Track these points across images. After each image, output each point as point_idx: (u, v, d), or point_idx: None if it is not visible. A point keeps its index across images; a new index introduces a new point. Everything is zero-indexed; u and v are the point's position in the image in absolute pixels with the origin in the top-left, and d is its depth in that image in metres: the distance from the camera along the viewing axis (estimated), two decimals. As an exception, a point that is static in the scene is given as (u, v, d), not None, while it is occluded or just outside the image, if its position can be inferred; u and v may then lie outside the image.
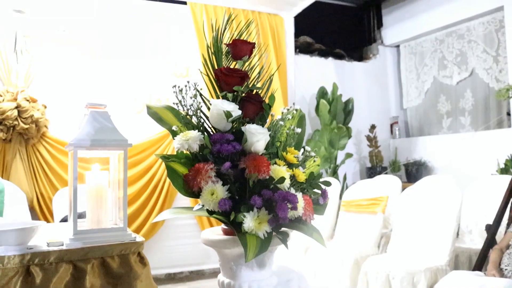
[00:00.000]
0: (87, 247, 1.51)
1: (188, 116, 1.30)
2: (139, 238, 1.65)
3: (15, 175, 3.67)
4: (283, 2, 4.88)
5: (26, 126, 3.64)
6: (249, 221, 1.12)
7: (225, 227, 1.28)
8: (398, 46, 6.52)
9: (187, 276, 4.47)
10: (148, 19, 4.40)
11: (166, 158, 1.22)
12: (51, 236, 1.66)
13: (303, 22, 5.49)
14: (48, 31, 3.92)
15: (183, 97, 1.29)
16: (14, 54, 3.69)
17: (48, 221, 3.75)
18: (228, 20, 1.37)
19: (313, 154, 1.34)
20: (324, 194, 1.31)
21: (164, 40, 4.47)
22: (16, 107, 3.61)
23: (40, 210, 3.79)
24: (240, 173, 1.20)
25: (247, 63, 1.37)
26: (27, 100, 3.68)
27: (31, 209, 3.71)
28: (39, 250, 1.45)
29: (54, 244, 1.50)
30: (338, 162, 5.43)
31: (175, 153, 1.27)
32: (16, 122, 3.61)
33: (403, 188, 3.72)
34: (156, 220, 1.28)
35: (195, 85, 1.30)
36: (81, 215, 1.74)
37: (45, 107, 3.85)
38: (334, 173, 5.27)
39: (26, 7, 3.69)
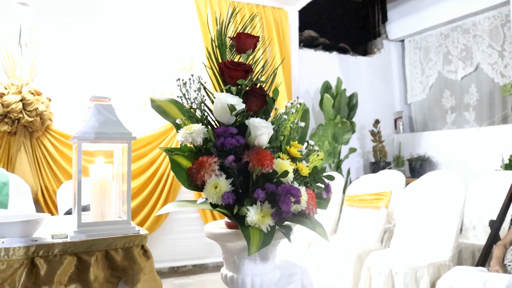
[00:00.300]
0: (91, 240, 1.51)
1: (192, 110, 1.30)
2: (142, 231, 1.65)
3: (19, 168, 3.68)
4: (288, -4, 4.87)
5: (30, 119, 3.64)
6: (252, 215, 1.13)
7: (228, 220, 1.28)
8: (402, 41, 6.48)
9: (191, 270, 4.49)
10: (152, 12, 4.39)
11: (170, 151, 1.22)
12: (56, 229, 1.67)
13: (307, 16, 5.47)
14: (53, 24, 3.91)
15: (187, 90, 1.29)
16: (19, 47, 3.69)
17: (52, 214, 3.76)
18: (232, 14, 1.37)
19: (316, 148, 1.34)
20: (327, 188, 1.31)
21: (168, 33, 4.45)
22: (21, 100, 3.61)
23: (44, 203, 3.81)
24: (243, 166, 1.20)
25: (251, 57, 1.37)
26: (32, 93, 3.69)
27: (36, 202, 3.73)
28: (44, 242, 1.46)
29: (59, 237, 1.50)
30: (342, 156, 5.42)
31: (179, 146, 1.27)
32: (20, 115, 3.61)
33: (407, 183, 3.71)
34: (160, 213, 1.29)
35: (199, 79, 1.30)
36: (85, 208, 1.74)
37: (50, 100, 3.85)
38: (338, 168, 5.26)
39: (31, 0, 3.69)
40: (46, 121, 3.81)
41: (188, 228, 4.43)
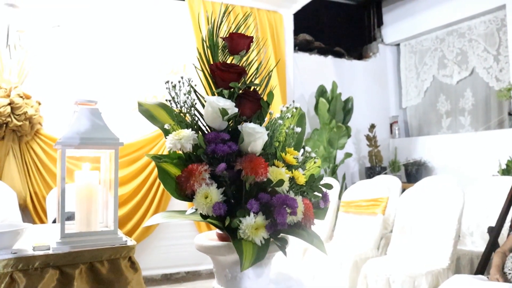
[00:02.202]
0: (75, 251, 1.43)
1: (181, 114, 1.22)
2: (130, 241, 1.57)
3: (8, 173, 3.59)
4: (283, -1, 4.82)
5: (19, 123, 3.56)
6: (245, 227, 1.05)
7: (220, 232, 1.21)
8: (398, 45, 6.45)
9: (184, 277, 4.41)
10: (145, 15, 4.33)
11: (157, 158, 1.15)
12: (39, 239, 1.58)
13: (302, 20, 5.42)
14: (43, 26, 3.83)
15: (176, 93, 1.22)
16: (7, 49, 3.60)
17: (42, 221, 3.69)
18: (224, 13, 1.30)
19: (313, 155, 1.27)
20: (325, 197, 1.24)
21: (161, 37, 4.39)
22: (9, 104, 3.53)
23: (33, 209, 3.71)
24: (236, 175, 1.12)
25: (244, 58, 1.30)
26: (21, 97, 3.60)
27: (25, 208, 3.64)
28: (24, 255, 1.37)
29: (40, 248, 1.42)
30: (337, 161, 5.36)
31: (167, 153, 1.19)
32: (9, 119, 3.53)
33: (403, 189, 3.66)
34: (147, 225, 1.21)
35: (189, 81, 1.22)
36: (72, 217, 1.66)
37: (39, 103, 3.76)
38: (333, 173, 5.20)
39: (19, 1, 3.60)
40: (36, 125, 3.72)
41: (181, 234, 4.35)
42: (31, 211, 3.69)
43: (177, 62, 4.44)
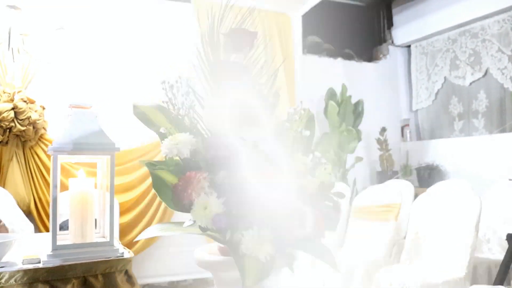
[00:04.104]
0: (67, 265, 1.33)
1: (179, 116, 1.12)
2: (127, 253, 1.46)
3: (11, 179, 3.53)
4: (291, 1, 4.72)
5: (23, 128, 3.50)
6: (248, 241, 0.95)
7: (222, 245, 1.10)
8: (409, 46, 6.32)
9: (191, 284, 4.32)
10: (150, 18, 4.26)
11: (152, 165, 1.05)
12: (30, 251, 1.49)
13: (311, 22, 5.32)
14: (46, 29, 3.77)
15: (174, 94, 1.12)
16: (10, 52, 3.54)
17: (46, 227, 3.63)
18: (226, 6, 1.20)
19: (323, 160, 1.16)
20: (336, 207, 1.13)
21: (167, 40, 4.31)
22: (13, 108, 3.47)
23: (38, 215, 3.65)
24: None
25: (248, 56, 1.19)
26: (24, 101, 3.54)
27: (29, 214, 3.57)
28: (12, 269, 1.28)
29: (30, 261, 1.32)
30: (348, 166, 5.24)
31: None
32: (12, 124, 3.47)
33: (416, 193, 3.53)
34: (141, 238, 1.10)
35: (187, 81, 1.12)
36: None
37: (43, 108, 3.70)
38: (344, 178, 5.08)
39: (22, 4, 3.53)
40: (40, 130, 3.65)
41: (187, 241, 4.24)
42: (35, 217, 3.63)
43: (183, 65, 4.35)
